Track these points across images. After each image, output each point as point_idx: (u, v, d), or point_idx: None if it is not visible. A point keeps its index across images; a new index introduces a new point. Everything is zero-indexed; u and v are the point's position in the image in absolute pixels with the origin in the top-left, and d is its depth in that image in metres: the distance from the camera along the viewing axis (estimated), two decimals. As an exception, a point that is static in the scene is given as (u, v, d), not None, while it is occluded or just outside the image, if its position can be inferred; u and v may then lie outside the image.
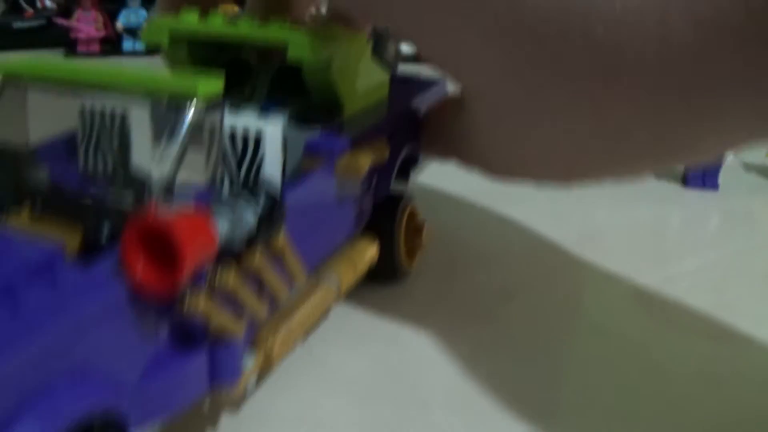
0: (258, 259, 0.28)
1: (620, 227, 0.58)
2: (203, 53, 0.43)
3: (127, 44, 1.10)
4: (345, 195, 0.38)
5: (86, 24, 1.07)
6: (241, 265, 0.28)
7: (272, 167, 0.34)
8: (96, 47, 1.08)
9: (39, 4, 1.11)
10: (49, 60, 0.33)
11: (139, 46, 1.10)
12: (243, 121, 0.34)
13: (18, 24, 1.10)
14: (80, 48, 1.08)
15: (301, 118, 0.39)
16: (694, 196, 0.66)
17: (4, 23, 1.10)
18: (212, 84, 0.29)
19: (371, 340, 0.40)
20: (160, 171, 0.30)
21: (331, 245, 0.38)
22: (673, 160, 0.33)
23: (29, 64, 0.32)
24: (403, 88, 0.50)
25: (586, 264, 0.51)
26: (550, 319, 0.44)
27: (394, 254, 0.43)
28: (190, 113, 0.28)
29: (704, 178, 0.67)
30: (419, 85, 0.52)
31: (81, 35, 1.07)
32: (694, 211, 0.63)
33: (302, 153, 0.37)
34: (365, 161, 0.37)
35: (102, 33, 1.08)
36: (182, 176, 0.29)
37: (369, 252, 0.41)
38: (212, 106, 0.29)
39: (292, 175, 0.37)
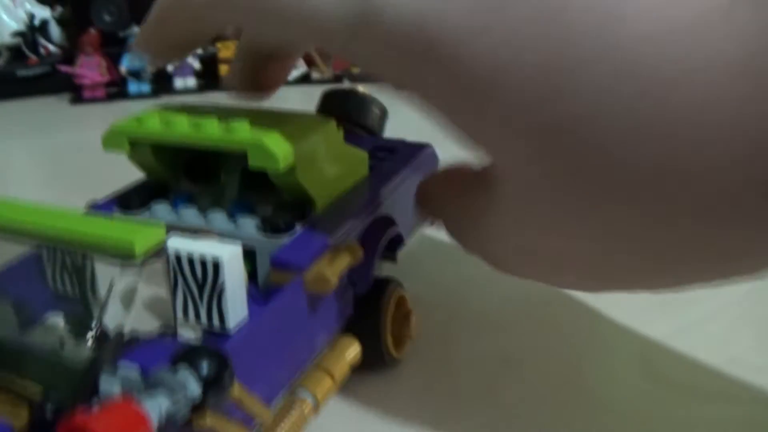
0: (209, 420, 0.27)
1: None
2: (168, 153, 0.42)
3: (132, 87, 1.09)
4: (318, 306, 0.37)
5: (90, 69, 1.07)
6: (191, 430, 0.27)
7: (233, 296, 0.33)
8: (101, 92, 1.08)
9: (43, 51, 1.11)
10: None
11: (145, 87, 1.10)
12: (199, 247, 0.33)
13: (22, 72, 1.10)
14: (86, 94, 1.07)
15: (271, 220, 0.38)
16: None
17: (8, 72, 1.10)
18: (151, 236, 0.28)
19: (367, 428, 0.40)
20: (108, 327, 0.29)
21: (305, 359, 0.37)
22: (698, 280, 0.30)
23: None
24: (388, 160, 0.49)
25: (591, 317, 0.50)
26: (553, 392, 0.43)
27: (380, 347, 0.42)
28: (127, 273, 0.28)
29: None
30: (406, 153, 0.51)
31: (86, 81, 1.07)
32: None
33: (270, 266, 0.36)
34: (335, 271, 0.36)
35: (106, 78, 1.08)
36: (139, 323, 0.29)
37: (350, 356, 0.39)
38: (155, 255, 0.28)
39: (263, 290, 0.36)
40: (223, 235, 0.39)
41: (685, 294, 0.52)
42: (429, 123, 0.33)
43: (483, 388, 0.43)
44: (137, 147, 0.41)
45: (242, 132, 0.37)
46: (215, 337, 0.33)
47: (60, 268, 0.35)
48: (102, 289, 0.33)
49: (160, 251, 0.29)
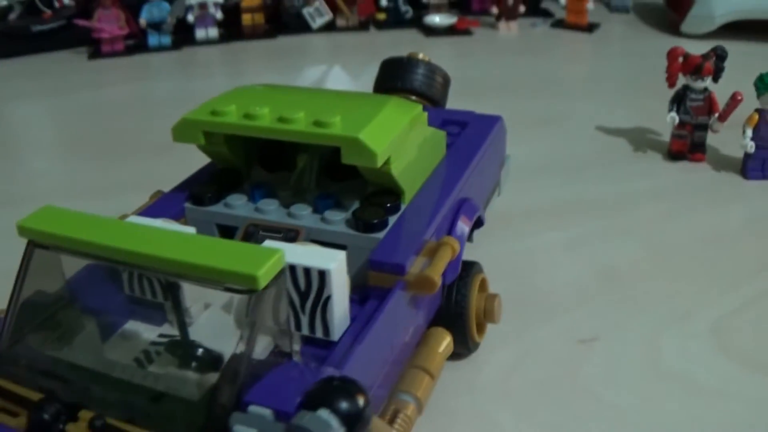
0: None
1: (684, 238, 0.55)
2: (243, 141, 0.40)
3: (153, 39, 1.06)
4: (416, 305, 0.36)
5: (108, 23, 1.04)
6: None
7: (339, 306, 0.32)
8: (120, 46, 1.05)
9: (57, 4, 1.08)
10: (81, 218, 0.30)
11: (165, 40, 1.06)
12: (303, 256, 0.32)
13: (37, 27, 1.07)
14: (105, 48, 1.04)
15: (363, 216, 0.37)
16: (756, 189, 0.62)
17: (22, 27, 1.06)
18: (274, 264, 0.27)
19: (453, 417, 0.39)
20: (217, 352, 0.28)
21: (403, 360, 0.36)
22: None
23: (61, 222, 0.30)
24: (462, 137, 0.47)
25: (665, 290, 0.49)
26: (632, 371, 0.42)
27: (465, 334, 0.41)
28: (253, 307, 0.26)
29: (765, 167, 0.63)
30: (478, 127, 0.49)
31: (104, 35, 1.04)
32: (756, 209, 0.59)
33: (367, 266, 0.35)
34: (438, 271, 0.34)
35: (125, 30, 1.05)
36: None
37: (444, 349, 0.38)
38: (274, 281, 0.27)
39: (359, 293, 0.35)
40: (311, 232, 0.37)
41: (746, 263, 0.51)
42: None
43: (561, 371, 0.42)
44: (210, 137, 0.39)
45: (334, 127, 0.35)
46: (318, 346, 0.32)
47: (138, 273, 0.33)
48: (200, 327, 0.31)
49: (279, 277, 0.27)
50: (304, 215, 0.38)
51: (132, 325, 0.33)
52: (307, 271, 0.31)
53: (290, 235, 0.37)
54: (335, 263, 0.31)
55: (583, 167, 0.67)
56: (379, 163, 0.35)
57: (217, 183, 0.40)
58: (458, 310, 0.40)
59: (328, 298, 0.31)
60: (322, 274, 0.31)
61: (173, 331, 0.31)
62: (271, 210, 0.38)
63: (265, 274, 0.26)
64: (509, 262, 0.52)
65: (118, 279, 0.33)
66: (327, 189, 0.40)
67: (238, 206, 0.39)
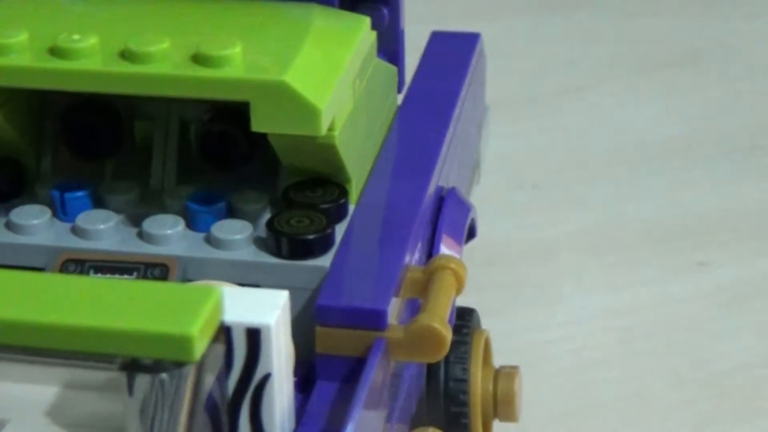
0: None
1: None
2: (38, 105, 0.25)
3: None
4: (395, 386, 0.22)
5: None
6: None
7: (281, 394, 0.18)
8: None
9: None
10: None
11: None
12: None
13: None
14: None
15: (290, 231, 0.22)
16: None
17: None
18: (210, 312, 0.15)
19: None
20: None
21: None
22: None
23: None
24: (422, 74, 0.31)
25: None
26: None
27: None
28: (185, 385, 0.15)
29: None
30: (444, 55, 0.32)
31: None
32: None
33: (310, 320, 0.21)
34: (443, 312, 0.21)
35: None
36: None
37: None
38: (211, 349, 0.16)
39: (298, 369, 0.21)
40: (190, 266, 0.22)
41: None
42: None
43: None
44: None
45: (233, 64, 0.21)
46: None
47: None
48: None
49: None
50: (171, 235, 0.23)
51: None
52: (226, 332, 0.17)
53: (153, 273, 0.22)
54: (276, 313, 0.17)
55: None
56: (324, 126, 0.21)
57: None
58: (456, 398, 0.25)
59: (265, 379, 0.18)
60: (254, 336, 0.17)
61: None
62: (105, 230, 0.23)
63: (201, 332, 0.15)
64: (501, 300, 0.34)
65: None
66: (200, 183, 0.25)
67: (35, 227, 0.23)
